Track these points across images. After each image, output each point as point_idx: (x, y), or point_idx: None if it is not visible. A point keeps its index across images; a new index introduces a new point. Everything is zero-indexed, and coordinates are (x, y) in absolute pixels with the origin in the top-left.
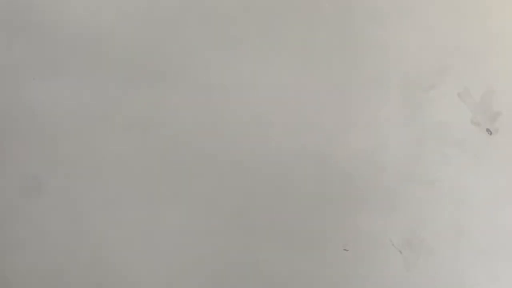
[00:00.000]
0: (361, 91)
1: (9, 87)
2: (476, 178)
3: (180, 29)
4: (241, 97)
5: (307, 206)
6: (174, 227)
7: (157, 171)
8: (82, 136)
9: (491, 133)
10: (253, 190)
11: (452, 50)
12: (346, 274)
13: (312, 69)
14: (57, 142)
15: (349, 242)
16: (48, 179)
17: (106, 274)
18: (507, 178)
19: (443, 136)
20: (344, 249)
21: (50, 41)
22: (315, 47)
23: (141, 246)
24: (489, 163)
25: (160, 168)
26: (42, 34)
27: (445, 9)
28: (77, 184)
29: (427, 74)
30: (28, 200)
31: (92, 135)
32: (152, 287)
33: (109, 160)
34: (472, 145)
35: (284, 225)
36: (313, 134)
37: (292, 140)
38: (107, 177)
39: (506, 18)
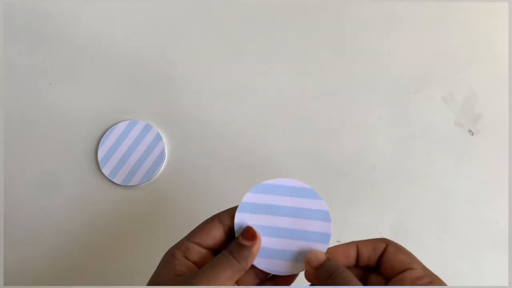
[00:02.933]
0: (353, 95)
1: (27, 91)
2: (459, 175)
3: (187, 37)
4: (241, 100)
5: None
6: None
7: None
8: (95, 136)
9: (473, 134)
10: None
11: (437, 57)
12: None
13: (307, 74)
14: (71, 142)
15: (342, 235)
16: (64, 176)
17: (119, 266)
18: (487, 175)
19: (429, 137)
20: (338, 241)
21: (66, 49)
22: (311, 54)
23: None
24: (471, 162)
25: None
26: (58, 42)
27: (431, 19)
28: (91, 180)
29: (413, 80)
30: (46, 195)
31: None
32: None
33: None
34: (455, 145)
35: None
36: (308, 134)
37: (289, 140)
38: None
39: (487, 28)
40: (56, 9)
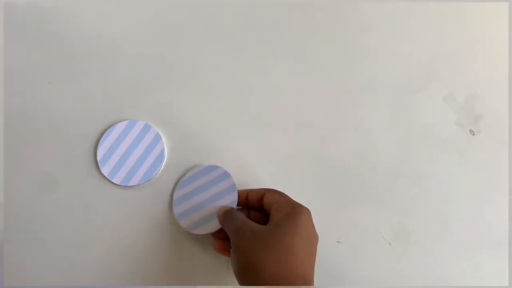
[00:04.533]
0: (354, 95)
1: (27, 91)
2: (460, 175)
3: (186, 37)
4: (241, 100)
5: (303, 202)
6: None
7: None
8: (94, 136)
9: (474, 134)
10: (256, 186)
11: (438, 57)
12: (340, 264)
13: (308, 74)
14: (71, 141)
15: (342, 235)
16: (63, 176)
17: (118, 267)
18: (488, 174)
19: (429, 137)
20: (338, 241)
21: (65, 49)
22: (311, 53)
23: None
24: (472, 161)
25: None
26: (58, 42)
27: (431, 19)
28: (90, 180)
29: (414, 80)
30: (45, 196)
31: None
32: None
33: None
34: (456, 144)
35: None
36: (308, 134)
37: (289, 140)
38: None
39: (487, 28)
40: (56, 9)
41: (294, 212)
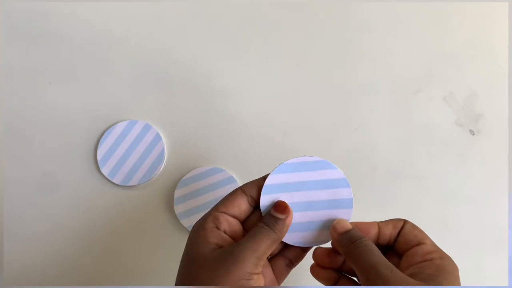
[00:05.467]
0: (354, 95)
1: (27, 91)
2: (460, 175)
3: (186, 37)
4: (242, 100)
5: None
6: None
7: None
8: (94, 136)
9: (473, 134)
10: None
11: (438, 57)
12: None
13: (308, 74)
14: (71, 141)
15: None
16: (63, 176)
17: (118, 267)
18: (488, 175)
19: (429, 137)
20: None
21: (65, 48)
22: (311, 54)
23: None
24: (472, 162)
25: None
26: (57, 42)
27: (431, 19)
28: (90, 180)
29: (414, 79)
30: (45, 196)
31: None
32: None
33: None
34: (456, 145)
35: None
36: (308, 134)
37: (289, 140)
38: None
39: (487, 27)
40: (55, 9)
41: (446, 266)
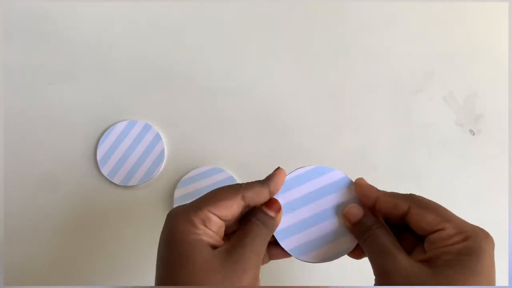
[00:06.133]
0: (354, 94)
1: (26, 91)
2: (460, 175)
3: (186, 36)
4: (242, 100)
5: None
6: None
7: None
8: (94, 136)
9: (473, 134)
10: None
11: (438, 57)
12: (340, 264)
13: (308, 74)
14: (70, 141)
15: None
16: (63, 176)
17: (118, 267)
18: (488, 174)
19: (429, 136)
20: None
21: (65, 48)
22: (311, 54)
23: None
24: (472, 162)
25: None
26: (57, 42)
27: (431, 19)
28: (90, 180)
29: (414, 79)
30: (45, 196)
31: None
32: None
33: None
34: (456, 144)
35: None
36: (308, 134)
37: (289, 140)
38: None
39: (487, 27)
40: (55, 9)
41: (472, 249)
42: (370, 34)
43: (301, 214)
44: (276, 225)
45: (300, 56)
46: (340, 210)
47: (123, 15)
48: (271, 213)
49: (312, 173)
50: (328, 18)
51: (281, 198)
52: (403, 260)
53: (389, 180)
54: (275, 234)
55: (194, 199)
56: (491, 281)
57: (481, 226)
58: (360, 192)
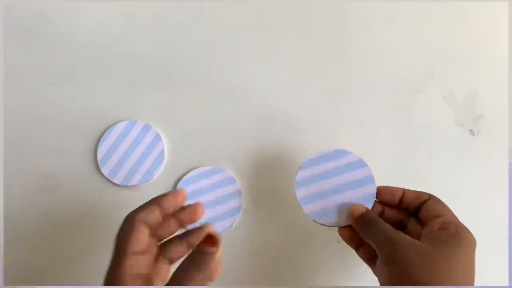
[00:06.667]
0: (354, 94)
1: (27, 91)
2: (460, 175)
3: (186, 36)
4: (242, 100)
5: None
6: None
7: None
8: (94, 136)
9: (473, 134)
10: (255, 186)
11: (438, 57)
12: (340, 264)
13: (308, 74)
14: (71, 141)
15: None
16: (63, 176)
17: None
18: (487, 175)
19: (429, 136)
20: (338, 241)
21: (65, 48)
22: (312, 54)
23: None
24: (472, 162)
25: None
26: (57, 42)
27: (431, 19)
28: (90, 180)
29: (414, 79)
30: (45, 196)
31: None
32: None
33: None
34: (456, 144)
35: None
36: (308, 134)
37: (289, 140)
38: None
39: (487, 27)
40: (55, 9)
41: (461, 235)
42: (370, 34)
43: (321, 186)
44: (218, 261)
45: (300, 56)
46: (354, 186)
47: (123, 15)
48: (210, 249)
49: (333, 154)
50: (328, 18)
51: (307, 171)
52: (406, 236)
53: (389, 180)
54: (299, 200)
55: (193, 198)
56: (472, 264)
57: (481, 226)
58: (388, 193)
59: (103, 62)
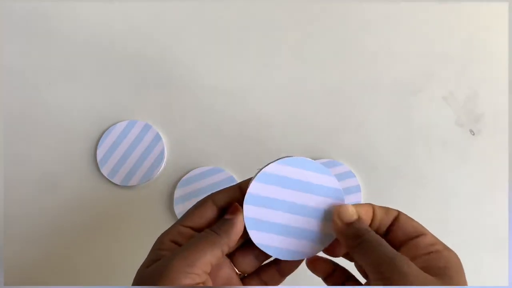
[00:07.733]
0: (354, 95)
1: (26, 91)
2: (460, 175)
3: (186, 37)
4: (242, 100)
5: None
6: None
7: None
8: (94, 136)
9: (474, 134)
10: None
11: (438, 57)
12: (340, 264)
13: (308, 75)
14: (70, 141)
15: None
16: (63, 176)
17: (118, 267)
18: (488, 174)
19: (430, 136)
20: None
21: (65, 48)
22: (312, 54)
23: None
24: (472, 162)
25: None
26: (57, 42)
27: (431, 19)
28: (90, 180)
29: (414, 79)
30: (45, 196)
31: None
32: None
33: None
34: (456, 145)
35: None
36: (308, 134)
37: (289, 140)
38: None
39: (487, 27)
40: (55, 9)
41: (453, 259)
42: (370, 34)
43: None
44: (235, 227)
45: (300, 56)
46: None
47: (123, 15)
48: (227, 216)
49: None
50: (328, 18)
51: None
52: (414, 267)
53: (389, 180)
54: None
55: (194, 198)
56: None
57: (481, 226)
58: (359, 213)
59: (103, 62)
